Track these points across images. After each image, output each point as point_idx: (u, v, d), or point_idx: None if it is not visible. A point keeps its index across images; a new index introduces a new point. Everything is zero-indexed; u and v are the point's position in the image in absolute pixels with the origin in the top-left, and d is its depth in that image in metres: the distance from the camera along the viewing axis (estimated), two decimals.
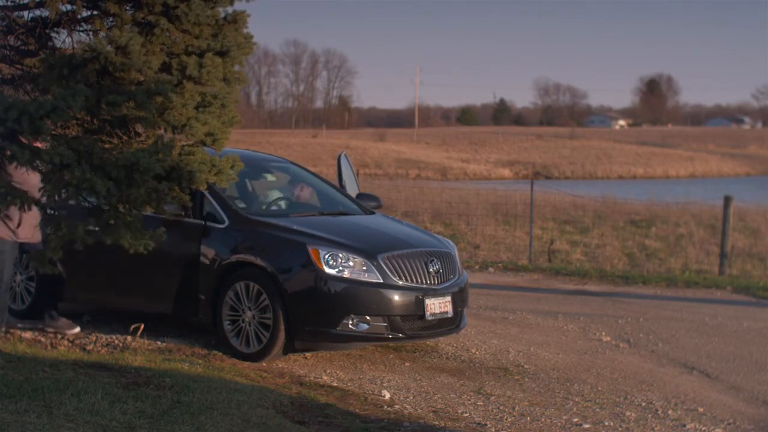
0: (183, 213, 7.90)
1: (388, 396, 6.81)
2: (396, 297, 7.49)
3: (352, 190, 9.82)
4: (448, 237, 10.51)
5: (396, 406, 6.58)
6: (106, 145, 5.65)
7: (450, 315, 7.83)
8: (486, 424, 6.32)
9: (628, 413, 6.80)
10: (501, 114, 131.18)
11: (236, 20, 5.86)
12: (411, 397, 6.85)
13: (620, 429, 6.43)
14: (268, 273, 7.48)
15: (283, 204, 8.76)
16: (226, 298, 7.64)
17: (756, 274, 14.82)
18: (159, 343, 7.81)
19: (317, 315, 7.39)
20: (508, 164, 64.30)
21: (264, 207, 8.63)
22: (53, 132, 5.41)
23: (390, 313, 7.47)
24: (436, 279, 7.79)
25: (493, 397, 6.99)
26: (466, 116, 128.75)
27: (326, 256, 7.43)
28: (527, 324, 9.95)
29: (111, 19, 5.75)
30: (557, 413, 6.69)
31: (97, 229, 5.81)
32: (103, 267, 8.35)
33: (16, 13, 5.79)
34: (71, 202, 5.86)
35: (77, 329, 8.12)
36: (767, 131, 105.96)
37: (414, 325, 7.62)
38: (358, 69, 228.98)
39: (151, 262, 7.92)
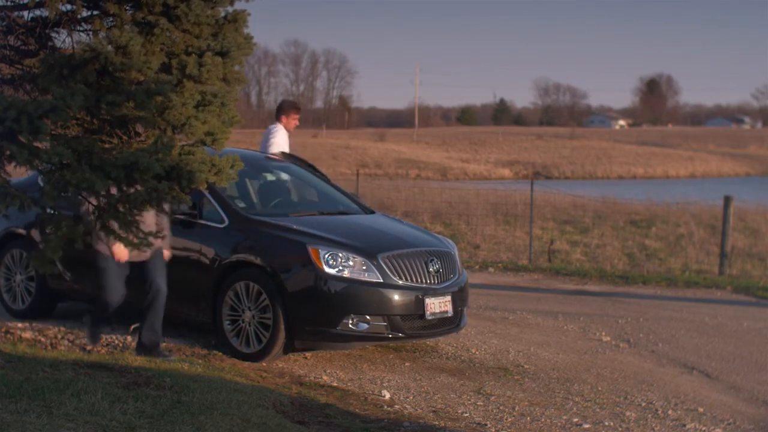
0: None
1: (388, 396, 6.81)
2: (396, 296, 7.49)
3: None
4: (448, 237, 10.50)
5: (396, 406, 6.58)
6: (106, 145, 5.64)
7: (450, 314, 7.83)
8: (486, 424, 6.32)
9: (628, 413, 6.79)
10: (501, 114, 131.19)
11: (236, 20, 5.85)
12: (411, 397, 6.85)
13: (620, 429, 6.43)
14: (267, 273, 7.48)
15: (282, 203, 8.76)
16: (226, 298, 7.64)
17: (756, 274, 14.81)
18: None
19: (317, 315, 7.39)
20: (508, 164, 64.28)
21: (264, 206, 8.62)
22: (53, 132, 5.41)
23: (390, 313, 7.47)
24: (436, 278, 7.78)
25: (493, 397, 6.99)
26: (466, 116, 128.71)
27: (326, 256, 7.43)
28: (527, 324, 9.94)
29: (111, 19, 5.74)
30: (557, 413, 6.69)
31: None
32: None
33: (16, 13, 5.79)
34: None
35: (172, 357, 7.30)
36: (767, 131, 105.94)
37: (414, 325, 7.62)
38: (358, 69, 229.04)
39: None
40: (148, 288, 7.28)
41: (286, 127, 10.35)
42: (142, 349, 7.29)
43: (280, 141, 10.24)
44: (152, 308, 7.30)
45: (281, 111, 10.46)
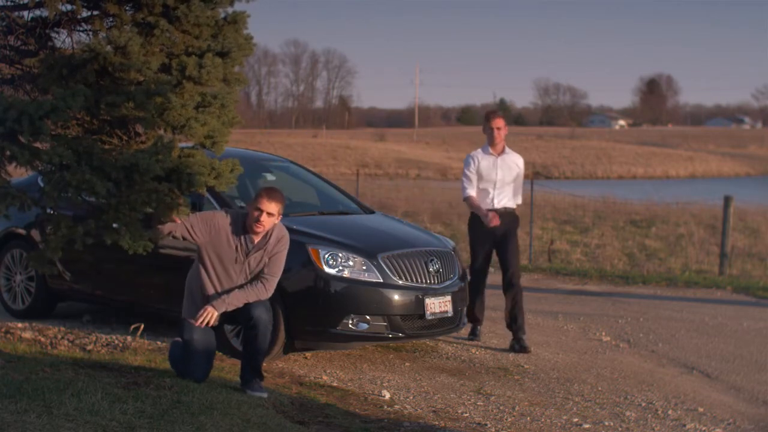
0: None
1: (388, 396, 6.81)
2: (396, 296, 7.49)
3: None
4: (448, 237, 10.50)
5: (396, 406, 6.58)
6: (106, 146, 5.65)
7: (450, 314, 7.83)
8: (486, 424, 6.32)
9: (628, 413, 6.79)
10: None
11: (236, 21, 5.86)
12: (411, 397, 6.85)
13: (620, 429, 6.43)
14: None
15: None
16: None
17: (756, 274, 14.81)
18: (159, 343, 7.81)
19: (317, 315, 7.39)
20: None
21: None
22: (53, 132, 5.41)
23: (390, 313, 7.47)
24: (436, 278, 7.78)
25: (493, 397, 6.99)
26: (466, 116, 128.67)
27: (326, 256, 7.42)
28: (527, 324, 9.93)
29: (111, 19, 5.75)
30: (557, 413, 6.69)
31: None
32: (104, 264, 8.39)
33: (16, 13, 5.80)
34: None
35: (265, 395, 6.29)
36: (767, 131, 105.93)
37: (414, 325, 7.62)
38: (358, 69, 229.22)
39: (148, 262, 7.93)
40: (245, 320, 6.21)
41: (492, 143, 8.82)
42: (245, 383, 6.32)
43: (473, 181, 8.71)
44: (251, 341, 6.23)
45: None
